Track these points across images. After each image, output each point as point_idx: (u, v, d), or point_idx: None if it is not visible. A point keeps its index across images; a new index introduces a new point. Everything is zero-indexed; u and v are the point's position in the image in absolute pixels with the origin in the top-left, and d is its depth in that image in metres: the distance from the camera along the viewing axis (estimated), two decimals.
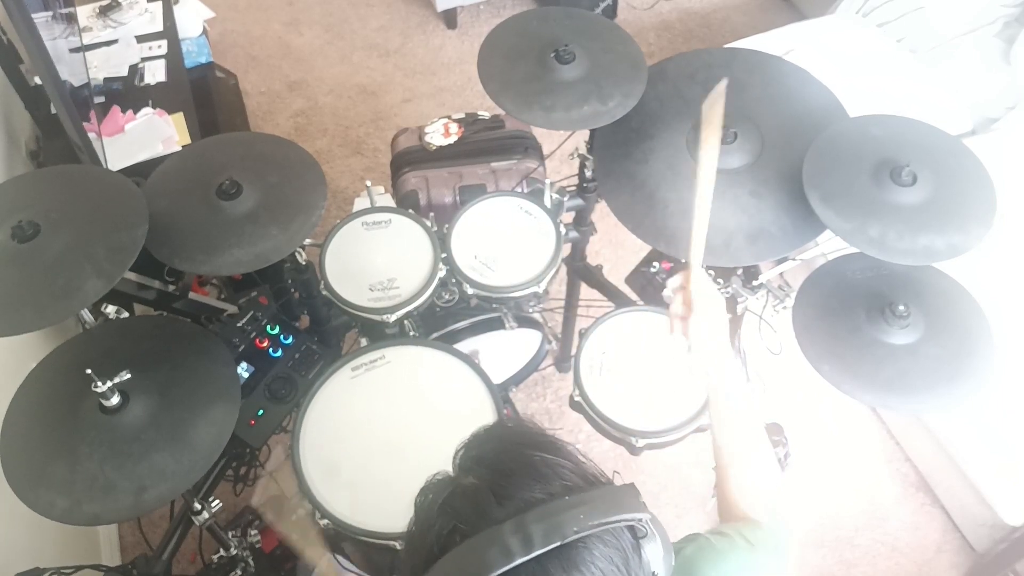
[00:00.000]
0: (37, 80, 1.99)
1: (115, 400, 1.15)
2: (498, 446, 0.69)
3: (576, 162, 1.69)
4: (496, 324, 1.77)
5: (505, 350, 1.99)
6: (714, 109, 1.07)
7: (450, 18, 3.39)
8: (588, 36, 1.51)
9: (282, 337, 1.54)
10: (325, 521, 1.29)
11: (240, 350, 1.50)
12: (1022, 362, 1.87)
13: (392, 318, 1.51)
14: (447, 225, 1.63)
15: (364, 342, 1.62)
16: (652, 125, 1.48)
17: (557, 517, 0.60)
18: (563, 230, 1.64)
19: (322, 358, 1.53)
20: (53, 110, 1.93)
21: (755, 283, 1.53)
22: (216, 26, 3.08)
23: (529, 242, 1.61)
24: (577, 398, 1.44)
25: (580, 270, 2.01)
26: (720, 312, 1.08)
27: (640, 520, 0.64)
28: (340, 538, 1.38)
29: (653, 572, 0.65)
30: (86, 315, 1.34)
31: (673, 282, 1.12)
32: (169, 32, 2.39)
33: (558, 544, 0.59)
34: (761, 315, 1.56)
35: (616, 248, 2.63)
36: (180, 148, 2.05)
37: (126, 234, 1.20)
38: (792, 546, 0.91)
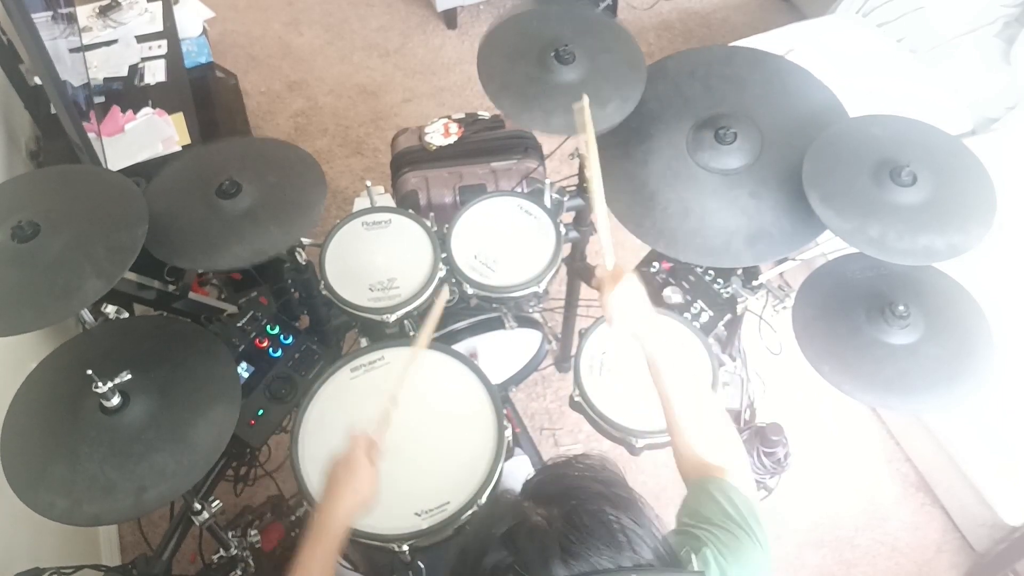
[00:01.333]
0: (37, 80, 1.99)
1: (115, 400, 1.15)
2: (578, 488, 0.66)
3: (576, 162, 1.69)
4: (496, 324, 1.77)
5: (505, 350, 1.99)
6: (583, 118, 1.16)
7: (450, 18, 3.39)
8: (588, 35, 1.50)
9: (282, 337, 1.54)
10: None
11: (240, 350, 1.50)
12: (1022, 362, 1.87)
13: (392, 318, 1.51)
14: (447, 225, 1.63)
15: (364, 342, 1.62)
16: (652, 125, 1.48)
17: None
18: (563, 230, 1.64)
19: (322, 358, 1.53)
20: (53, 110, 1.93)
21: (755, 283, 1.53)
22: (216, 26, 3.08)
23: (529, 242, 1.61)
24: (577, 398, 1.44)
25: (580, 270, 2.01)
26: (630, 281, 1.13)
27: None
28: None
29: None
30: (86, 315, 1.34)
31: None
32: (169, 32, 2.39)
33: None
34: (761, 315, 1.56)
35: (616, 248, 2.61)
36: (180, 148, 2.05)
37: (126, 234, 1.20)
38: (760, 512, 0.90)
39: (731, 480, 0.92)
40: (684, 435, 1.01)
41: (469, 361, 1.46)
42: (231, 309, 1.59)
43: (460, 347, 1.61)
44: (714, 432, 1.02)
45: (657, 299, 1.61)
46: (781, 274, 1.52)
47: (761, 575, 0.85)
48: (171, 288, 1.54)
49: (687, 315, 1.57)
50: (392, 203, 2.14)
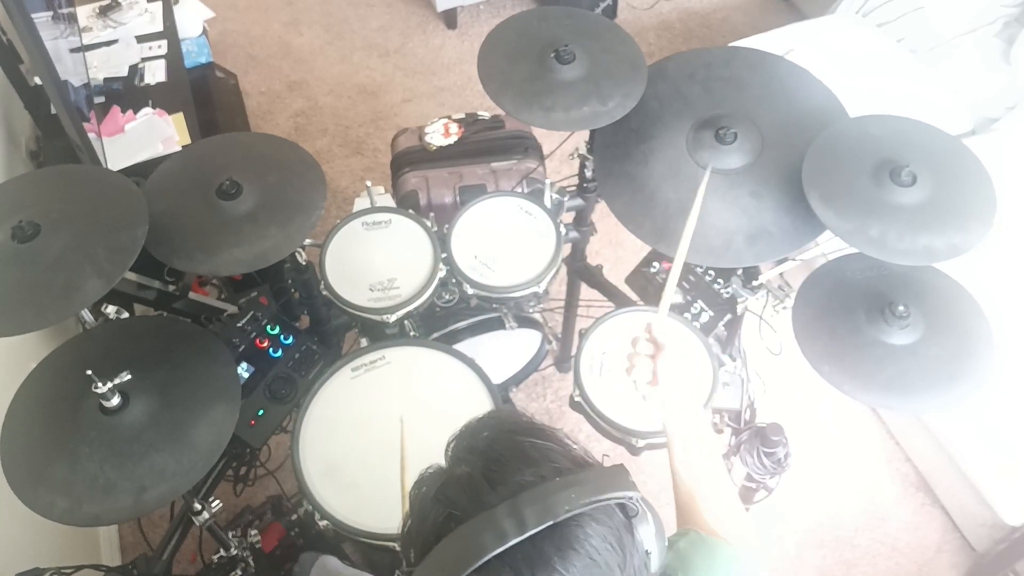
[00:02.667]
0: (37, 80, 1.99)
1: (115, 401, 1.15)
2: (489, 435, 0.70)
3: (576, 162, 1.69)
4: (496, 324, 1.77)
5: (505, 350, 1.99)
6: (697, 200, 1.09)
7: (450, 18, 3.39)
8: (588, 36, 1.51)
9: (282, 337, 1.54)
10: (325, 522, 1.29)
11: (240, 350, 1.50)
12: (1022, 362, 1.87)
13: (392, 318, 1.51)
14: (447, 225, 1.63)
15: (364, 342, 1.62)
16: (652, 125, 1.48)
17: (549, 498, 0.61)
18: (563, 230, 1.65)
19: (322, 358, 1.53)
20: (53, 110, 1.93)
21: (755, 283, 1.53)
22: (216, 26, 3.08)
23: (529, 242, 1.61)
24: (577, 398, 1.44)
25: (580, 270, 2.01)
26: (688, 354, 1.09)
27: (631, 499, 0.65)
28: (340, 538, 1.38)
29: (647, 551, 0.67)
30: (86, 315, 1.34)
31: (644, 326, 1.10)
32: (169, 32, 2.39)
33: (551, 524, 0.60)
34: (761, 315, 1.56)
35: (616, 248, 2.63)
36: (180, 148, 2.05)
37: (126, 234, 1.20)
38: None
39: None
40: (704, 514, 0.98)
41: (470, 361, 1.46)
42: (231, 309, 1.59)
43: (460, 347, 1.61)
44: (734, 518, 1.00)
45: (658, 299, 1.61)
46: (781, 274, 1.52)
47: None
48: (171, 288, 1.54)
49: (687, 315, 1.57)
50: (392, 203, 2.14)
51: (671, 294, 1.08)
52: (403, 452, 1.17)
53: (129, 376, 1.14)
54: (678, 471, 1.03)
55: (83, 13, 2.38)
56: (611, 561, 0.62)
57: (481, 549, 0.59)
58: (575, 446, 0.71)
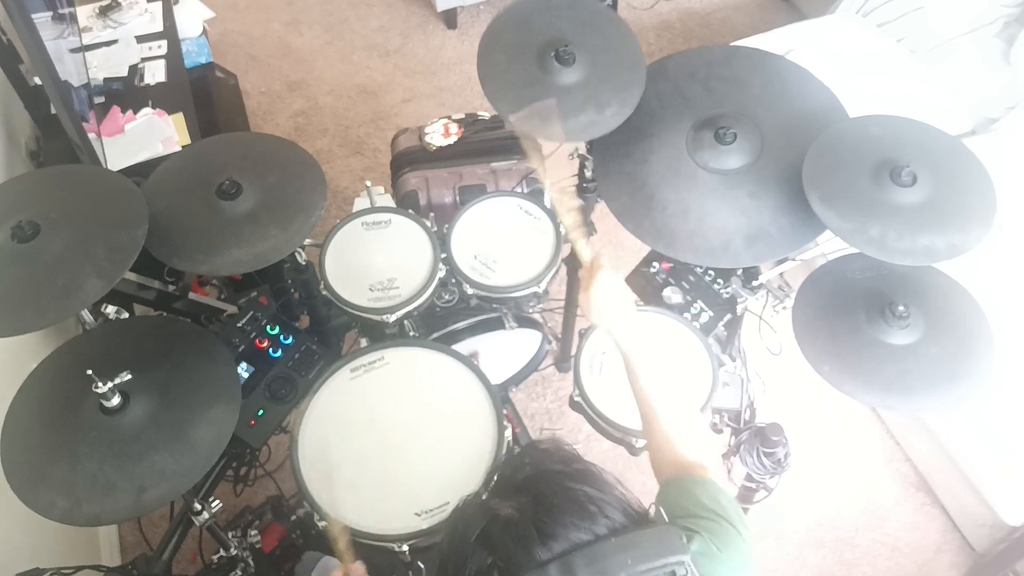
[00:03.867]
0: (37, 80, 1.99)
1: (116, 401, 1.15)
2: (537, 474, 0.67)
3: (576, 162, 1.69)
4: (496, 324, 1.77)
5: (505, 350, 1.99)
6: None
7: (450, 18, 3.39)
8: (590, 29, 1.49)
9: (282, 337, 1.54)
10: (324, 522, 1.29)
11: (240, 350, 1.50)
12: (1022, 362, 1.87)
13: (392, 318, 1.51)
14: (447, 225, 1.63)
15: (364, 342, 1.62)
16: (652, 125, 1.47)
17: (605, 562, 0.59)
18: (563, 230, 1.64)
19: (322, 358, 1.53)
20: (53, 110, 1.93)
21: (755, 283, 1.53)
22: (216, 26, 3.08)
23: (529, 242, 1.61)
24: (577, 398, 1.44)
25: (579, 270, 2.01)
26: (607, 276, 1.13)
27: (682, 563, 0.63)
28: None
29: None
30: (86, 315, 1.34)
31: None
32: (169, 32, 2.39)
33: None
34: (761, 315, 1.56)
35: (616, 248, 2.62)
36: (180, 148, 2.05)
37: (126, 234, 1.20)
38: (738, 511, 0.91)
39: (711, 477, 0.92)
40: (662, 433, 1.00)
41: (469, 361, 1.46)
42: (231, 309, 1.59)
43: (460, 347, 1.61)
44: (692, 430, 1.01)
45: (657, 299, 1.61)
46: (781, 274, 1.52)
47: (749, 567, 0.86)
48: (171, 288, 1.54)
49: (687, 315, 1.57)
50: (392, 203, 2.14)
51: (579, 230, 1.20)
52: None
53: (129, 376, 1.14)
54: (633, 389, 1.05)
55: (83, 13, 2.38)
56: None
57: None
58: (626, 493, 0.68)
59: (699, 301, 1.59)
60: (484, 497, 0.67)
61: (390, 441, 1.36)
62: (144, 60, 2.30)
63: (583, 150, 1.65)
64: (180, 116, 2.13)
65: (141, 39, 2.36)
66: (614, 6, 3.35)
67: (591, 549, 0.60)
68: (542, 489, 0.65)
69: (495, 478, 0.69)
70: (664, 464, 0.98)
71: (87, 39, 2.31)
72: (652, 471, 1.00)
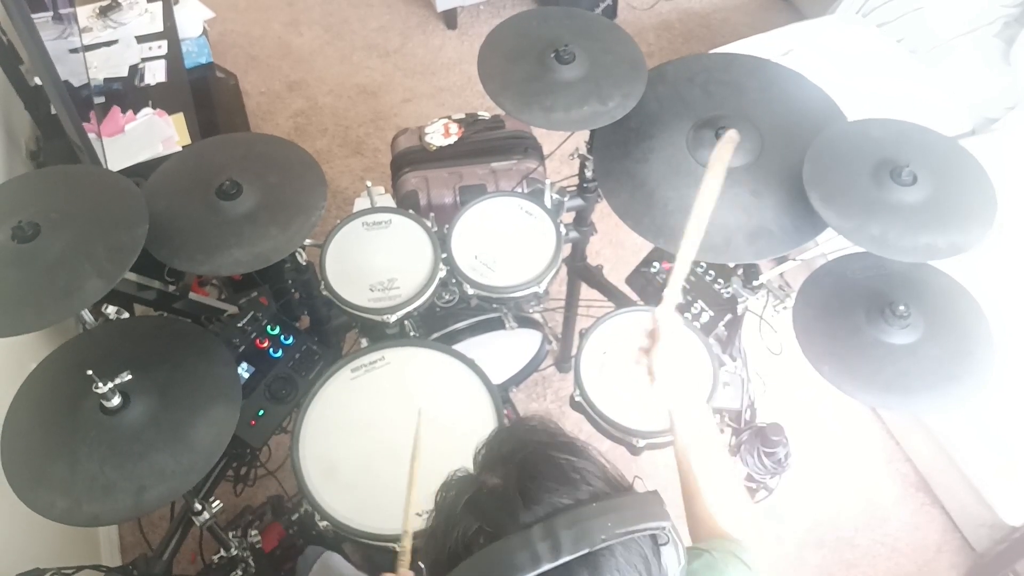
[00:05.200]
0: (37, 80, 1.99)
1: (116, 401, 1.15)
2: (522, 446, 0.69)
3: (576, 162, 1.69)
4: (496, 324, 1.77)
5: (505, 350, 1.99)
6: (721, 156, 1.07)
7: (450, 18, 3.39)
8: (588, 36, 1.51)
9: (282, 337, 1.54)
10: (325, 522, 1.29)
11: (240, 350, 1.50)
12: (1022, 362, 1.87)
13: (392, 318, 1.51)
14: (447, 225, 1.63)
15: (364, 342, 1.62)
16: (652, 125, 1.48)
17: (586, 524, 0.61)
18: (563, 230, 1.65)
19: (322, 358, 1.53)
20: (53, 110, 1.93)
21: (755, 283, 1.53)
22: (216, 26, 3.08)
23: (529, 242, 1.61)
24: (578, 398, 1.44)
25: (580, 270, 2.01)
26: (684, 345, 1.08)
27: (663, 528, 0.65)
28: (340, 539, 1.38)
29: None
30: (86, 315, 1.34)
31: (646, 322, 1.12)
32: (169, 32, 2.39)
33: (586, 551, 0.59)
34: (761, 315, 1.56)
35: (616, 248, 2.63)
36: (180, 148, 2.05)
37: (126, 234, 1.20)
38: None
39: (751, 554, 0.92)
40: (705, 503, 0.99)
41: (470, 361, 1.46)
42: (231, 309, 1.59)
43: (460, 347, 1.61)
44: (740, 509, 1.00)
45: (657, 299, 1.60)
46: (781, 274, 1.52)
47: None
48: (171, 288, 1.54)
49: (687, 315, 1.57)
50: (392, 203, 2.14)
51: (677, 287, 1.09)
52: (416, 445, 1.15)
53: (129, 376, 1.14)
54: (679, 459, 1.03)
55: (83, 13, 2.38)
56: None
57: (513, 570, 0.58)
58: (609, 465, 0.70)
59: (699, 301, 1.59)
60: (472, 471, 0.69)
61: (391, 441, 1.36)
62: (144, 60, 2.30)
63: (583, 150, 1.65)
64: (180, 116, 2.13)
65: (141, 39, 2.35)
66: (613, 8, 3.36)
67: (573, 512, 0.62)
68: (527, 459, 0.67)
69: (481, 451, 0.71)
70: (702, 530, 0.98)
71: (87, 39, 2.31)
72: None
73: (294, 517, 1.68)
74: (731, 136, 1.11)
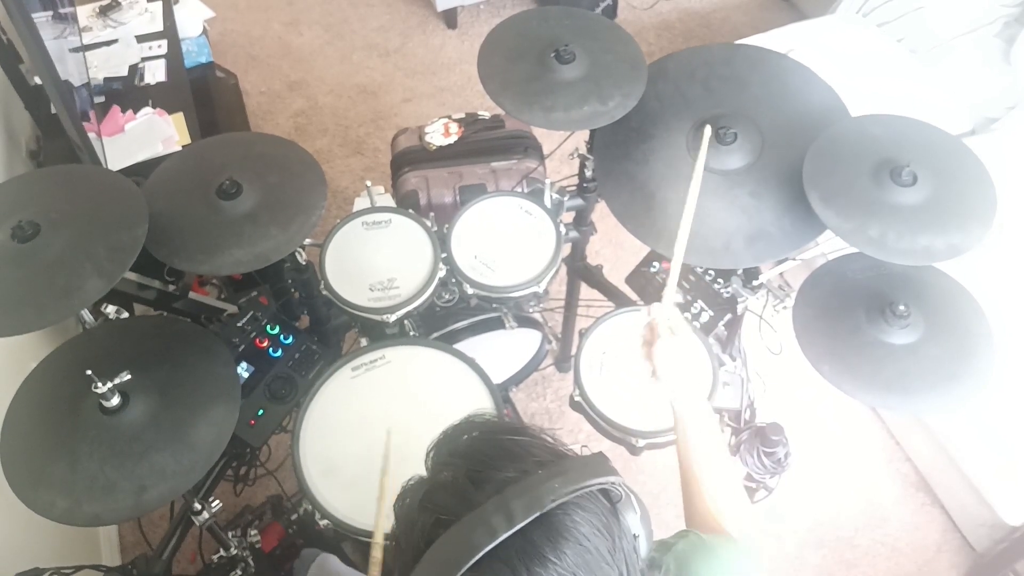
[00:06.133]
0: (37, 80, 1.99)
1: (115, 400, 1.15)
2: (468, 438, 0.70)
3: (576, 162, 1.69)
4: (496, 324, 1.77)
5: (505, 350, 1.99)
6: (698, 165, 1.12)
7: (450, 18, 3.39)
8: (588, 36, 1.51)
9: (282, 337, 1.54)
10: (325, 521, 1.29)
11: (240, 350, 1.50)
12: (1022, 362, 1.87)
13: (392, 318, 1.51)
14: (447, 225, 1.63)
15: (364, 342, 1.62)
16: (652, 125, 1.48)
17: (534, 491, 0.62)
18: (563, 230, 1.64)
19: (322, 358, 1.53)
20: (53, 110, 1.93)
21: (755, 283, 1.53)
22: (216, 26, 3.08)
23: (529, 242, 1.61)
24: (577, 398, 1.44)
25: (580, 270, 2.01)
26: (685, 341, 1.10)
27: (613, 484, 0.66)
28: (340, 538, 1.38)
29: (634, 535, 0.67)
30: (86, 315, 1.34)
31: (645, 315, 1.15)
32: (169, 32, 2.39)
33: (539, 515, 0.60)
34: (761, 315, 1.56)
35: (616, 248, 2.62)
36: (180, 148, 2.05)
37: (126, 234, 1.20)
38: (763, 565, 0.92)
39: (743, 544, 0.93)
40: (704, 498, 1.00)
41: (470, 360, 1.46)
42: (231, 309, 1.59)
43: (460, 347, 1.61)
44: (741, 506, 1.01)
45: (657, 299, 1.61)
46: (781, 274, 1.52)
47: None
48: (171, 288, 1.54)
49: (687, 315, 1.57)
50: (392, 203, 2.14)
51: (673, 286, 1.12)
52: (386, 464, 1.19)
53: (129, 376, 1.14)
54: (680, 454, 1.04)
55: (83, 13, 2.38)
56: (600, 546, 0.63)
57: (473, 547, 0.59)
58: (552, 439, 0.72)
59: (699, 301, 1.59)
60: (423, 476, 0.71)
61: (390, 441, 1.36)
62: (144, 60, 2.30)
63: (583, 150, 1.65)
64: (180, 116, 2.13)
65: (141, 39, 2.35)
66: (613, 7, 3.36)
67: (521, 483, 0.63)
68: (472, 447, 0.69)
69: (430, 454, 0.72)
70: (699, 522, 0.99)
71: (87, 39, 2.31)
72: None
73: (294, 517, 1.68)
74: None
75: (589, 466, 0.66)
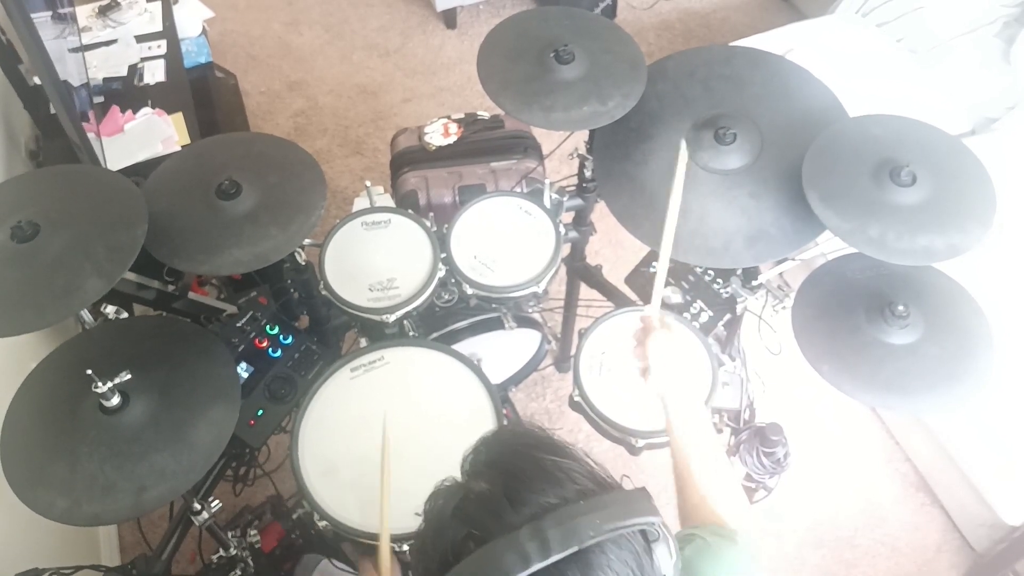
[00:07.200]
0: (37, 80, 1.99)
1: (115, 400, 1.15)
2: (507, 450, 0.69)
3: (575, 162, 1.69)
4: (496, 324, 1.77)
5: (505, 350, 1.99)
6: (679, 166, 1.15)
7: (450, 18, 3.39)
8: (588, 36, 1.51)
9: (282, 337, 1.53)
10: (324, 522, 1.29)
11: (240, 350, 1.50)
12: (1022, 362, 1.87)
13: (392, 318, 1.51)
14: (447, 225, 1.63)
15: (364, 342, 1.62)
16: (652, 125, 1.48)
17: (573, 522, 0.60)
18: (562, 230, 1.64)
19: (322, 358, 1.53)
20: (53, 110, 1.93)
21: (754, 283, 1.53)
22: (216, 26, 3.08)
23: (529, 242, 1.61)
24: (577, 398, 1.44)
25: (580, 270, 2.01)
26: (679, 336, 1.12)
27: (652, 524, 0.64)
28: (339, 539, 1.38)
29: (663, 574, 0.66)
30: (86, 315, 1.34)
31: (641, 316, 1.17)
32: (168, 32, 2.39)
33: (575, 549, 0.59)
34: (761, 315, 1.56)
35: (616, 248, 2.62)
36: (180, 148, 2.05)
37: (126, 234, 1.20)
38: (762, 563, 0.92)
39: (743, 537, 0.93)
40: (698, 489, 1.00)
41: (469, 361, 1.46)
42: (231, 309, 1.58)
43: (460, 347, 1.61)
44: (734, 496, 1.01)
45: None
46: (781, 274, 1.52)
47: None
48: (171, 288, 1.54)
49: (687, 315, 1.57)
50: (392, 203, 2.14)
51: (662, 283, 1.15)
52: (385, 451, 1.18)
53: (129, 376, 1.14)
54: (673, 446, 1.05)
55: (83, 13, 2.38)
56: None
57: (503, 572, 0.58)
58: (595, 464, 0.70)
59: (699, 301, 1.59)
60: (459, 479, 0.69)
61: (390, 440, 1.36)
62: (144, 60, 2.30)
63: (583, 150, 1.65)
64: (180, 116, 2.13)
65: (141, 39, 2.35)
66: (613, 8, 3.36)
67: (560, 511, 0.61)
68: (512, 462, 0.67)
69: (468, 459, 0.70)
70: (695, 516, 0.99)
71: (87, 39, 2.31)
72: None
73: (293, 517, 1.68)
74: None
75: (632, 503, 0.65)
